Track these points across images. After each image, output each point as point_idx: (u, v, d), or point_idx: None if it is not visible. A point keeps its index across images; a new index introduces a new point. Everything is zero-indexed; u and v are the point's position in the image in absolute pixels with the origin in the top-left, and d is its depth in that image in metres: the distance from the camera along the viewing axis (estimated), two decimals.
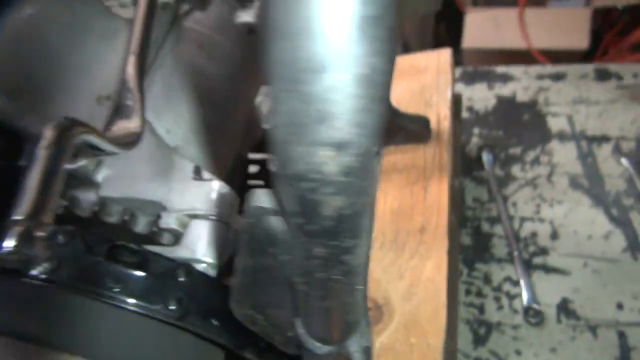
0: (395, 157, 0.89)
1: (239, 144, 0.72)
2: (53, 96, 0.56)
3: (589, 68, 1.23)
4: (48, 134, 0.37)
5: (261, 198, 0.28)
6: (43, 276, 0.38)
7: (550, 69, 1.25)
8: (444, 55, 1.00)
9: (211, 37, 0.69)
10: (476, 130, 1.19)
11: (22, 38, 0.57)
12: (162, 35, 0.65)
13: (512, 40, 2.17)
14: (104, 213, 0.54)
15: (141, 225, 0.52)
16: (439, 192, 0.83)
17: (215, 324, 0.43)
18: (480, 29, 2.20)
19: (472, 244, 1.04)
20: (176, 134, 0.60)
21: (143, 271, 0.41)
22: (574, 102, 1.18)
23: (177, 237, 0.52)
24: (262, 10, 0.21)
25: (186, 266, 0.44)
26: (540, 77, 1.24)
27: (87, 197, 0.55)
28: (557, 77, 1.23)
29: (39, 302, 0.38)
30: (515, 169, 1.11)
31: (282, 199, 0.27)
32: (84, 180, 0.54)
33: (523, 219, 1.04)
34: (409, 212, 0.82)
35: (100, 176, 0.54)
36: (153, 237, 0.52)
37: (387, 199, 0.85)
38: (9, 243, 0.30)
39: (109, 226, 0.54)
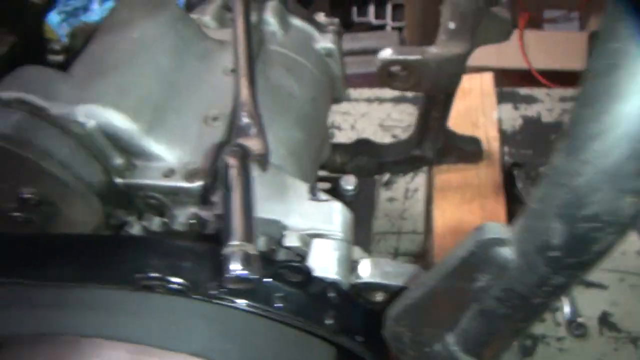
0: (449, 175, 0.93)
1: (317, 164, 0.74)
2: (165, 117, 0.57)
3: None
4: (233, 162, 0.39)
5: (493, 230, 0.30)
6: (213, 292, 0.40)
7: (572, 91, 1.31)
8: (487, 78, 1.05)
9: (295, 60, 0.71)
10: (505, 149, 1.24)
11: (135, 60, 0.58)
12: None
13: (513, 60, 2.24)
14: (204, 228, 0.55)
15: (261, 244, 0.53)
16: (497, 210, 0.86)
17: (360, 340, 0.45)
18: (482, 48, 2.28)
19: None
20: (277, 155, 0.62)
21: (302, 289, 0.43)
22: None
23: (301, 256, 0.53)
24: None
25: (334, 284, 0.46)
26: (563, 99, 1.30)
27: (184, 213, 0.57)
28: None
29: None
30: None
31: (542, 234, 0.29)
32: (203, 199, 0.55)
33: None
34: (469, 229, 0.85)
35: (217, 196, 0.56)
36: (271, 255, 0.54)
37: (445, 216, 0.88)
38: (236, 266, 0.31)
39: (208, 239, 0.55)
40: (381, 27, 2.84)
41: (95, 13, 2.24)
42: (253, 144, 0.54)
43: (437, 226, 0.87)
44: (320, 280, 0.45)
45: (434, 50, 0.72)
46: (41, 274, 0.37)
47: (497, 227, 0.31)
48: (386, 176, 1.15)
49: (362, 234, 0.71)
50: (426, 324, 0.42)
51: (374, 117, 1.33)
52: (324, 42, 0.76)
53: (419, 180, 1.21)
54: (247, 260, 0.32)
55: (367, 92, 1.38)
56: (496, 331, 0.36)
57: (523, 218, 0.31)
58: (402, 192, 1.19)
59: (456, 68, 0.73)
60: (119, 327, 0.40)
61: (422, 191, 1.19)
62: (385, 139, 1.29)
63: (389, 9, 2.87)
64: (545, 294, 0.31)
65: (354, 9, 2.88)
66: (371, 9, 2.90)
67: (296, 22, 0.74)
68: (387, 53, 0.73)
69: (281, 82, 0.68)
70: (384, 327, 0.44)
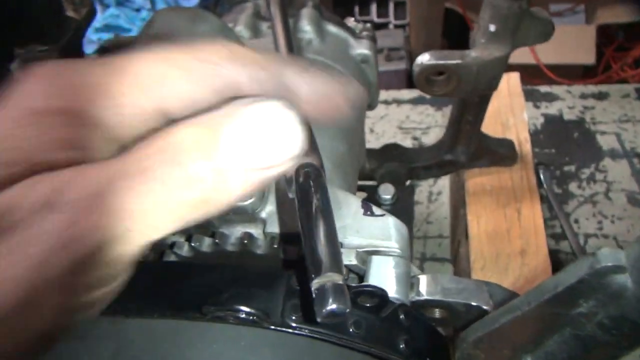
0: (482, 179, 0.91)
1: (357, 174, 0.72)
2: None
3: (629, 88, 1.28)
4: (306, 177, 0.37)
5: (610, 257, 0.29)
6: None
7: (592, 88, 1.30)
8: (514, 77, 1.03)
9: (334, 69, 0.70)
10: None
11: None
12: None
13: (520, 55, 2.23)
14: (256, 246, 0.53)
15: None
16: (534, 214, 0.85)
17: None
18: None
19: None
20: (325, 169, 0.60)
21: (375, 314, 0.41)
22: (620, 121, 1.22)
23: (359, 275, 0.52)
24: None
25: (403, 306, 0.44)
26: (583, 96, 1.29)
27: (234, 232, 0.55)
28: (600, 97, 1.27)
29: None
30: (573, 186, 1.14)
31: None
32: (250, 216, 0.53)
33: (587, 236, 1.07)
34: (505, 235, 0.84)
35: (264, 213, 0.54)
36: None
37: (480, 222, 0.86)
38: (331, 302, 0.30)
39: (260, 257, 0.54)
40: (384, 25, 2.83)
41: (98, 20, 2.21)
42: (310, 158, 0.52)
43: (473, 232, 0.86)
44: (392, 302, 0.43)
45: (473, 53, 0.71)
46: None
47: (613, 254, 0.29)
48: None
49: None
50: (506, 346, 0.40)
51: (392, 119, 1.32)
52: (360, 49, 0.74)
53: (442, 182, 1.19)
54: (340, 294, 0.31)
55: (384, 94, 1.36)
56: (591, 357, 0.35)
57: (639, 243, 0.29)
58: (426, 196, 1.18)
59: (496, 71, 0.72)
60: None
61: (445, 194, 1.18)
62: (405, 141, 1.28)
63: (391, 7, 2.85)
64: None
65: (356, 8, 2.86)
66: (373, 8, 2.88)
67: (331, 28, 0.72)
68: (425, 58, 0.71)
69: None
70: (458, 349, 0.42)
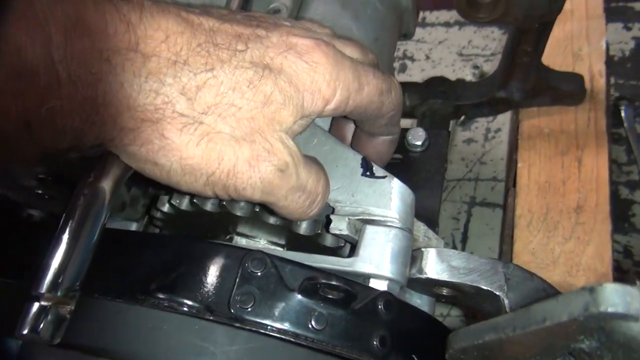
0: (540, 120, 0.78)
1: None
2: None
3: None
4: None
5: (615, 299, 0.20)
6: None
7: None
8: None
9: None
10: (611, 80, 1.05)
11: None
12: None
13: None
14: (235, 207, 0.47)
15: (304, 227, 0.45)
16: (597, 164, 0.72)
17: None
18: None
19: None
20: None
21: (344, 307, 0.35)
22: None
23: (351, 245, 0.45)
24: None
25: (384, 295, 0.37)
26: None
27: None
28: None
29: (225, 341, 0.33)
30: None
31: None
32: None
33: None
34: (560, 187, 0.73)
35: None
36: (316, 240, 0.46)
37: (532, 171, 0.75)
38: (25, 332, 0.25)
39: (242, 219, 0.48)
40: None
41: None
42: None
43: (522, 181, 0.75)
44: (367, 292, 0.36)
45: None
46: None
47: (621, 294, 0.20)
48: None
49: (429, 200, 0.61)
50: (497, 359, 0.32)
51: (452, 44, 1.17)
52: None
53: (502, 118, 1.06)
54: (43, 319, 0.26)
55: (445, 15, 1.21)
56: None
57: None
58: (482, 133, 1.06)
59: None
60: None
61: (505, 131, 1.05)
62: (464, 70, 1.14)
63: None
64: None
65: None
66: None
67: None
68: None
69: (336, 21, 0.57)
70: (447, 350, 0.35)
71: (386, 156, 0.53)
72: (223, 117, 0.35)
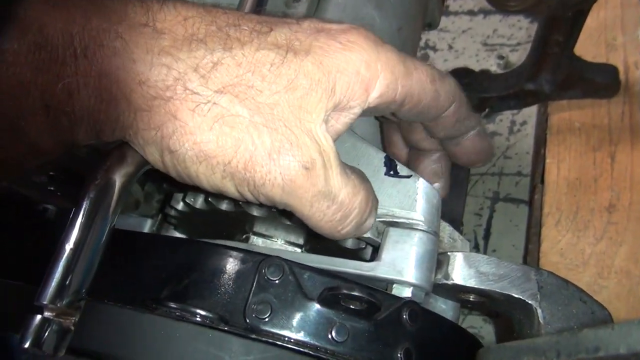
0: (571, 114, 0.75)
1: None
2: None
3: None
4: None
5: None
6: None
7: None
8: None
9: None
10: None
11: None
12: None
13: None
14: (252, 207, 0.45)
15: None
16: (632, 161, 0.69)
17: None
18: None
19: None
20: None
21: (366, 318, 0.33)
22: None
23: (373, 248, 0.43)
24: None
25: (409, 305, 0.35)
26: None
27: None
28: None
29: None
30: None
31: None
32: None
33: None
34: (591, 185, 0.69)
35: None
36: (337, 241, 0.43)
37: (562, 167, 0.72)
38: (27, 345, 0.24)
39: (259, 219, 0.46)
40: None
41: None
42: None
43: (551, 178, 0.72)
44: (391, 301, 0.34)
45: None
46: None
47: None
48: None
49: (453, 198, 0.59)
50: None
51: (476, 33, 1.13)
52: None
53: (528, 110, 1.02)
54: (45, 333, 0.25)
55: (469, 3, 1.16)
56: None
57: None
58: (507, 126, 1.02)
59: None
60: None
61: (531, 124, 1.01)
62: (489, 61, 1.10)
63: None
64: None
65: None
66: None
67: None
68: None
69: (358, 12, 0.54)
70: None
71: (484, 154, 0.48)
72: (241, 99, 0.33)
